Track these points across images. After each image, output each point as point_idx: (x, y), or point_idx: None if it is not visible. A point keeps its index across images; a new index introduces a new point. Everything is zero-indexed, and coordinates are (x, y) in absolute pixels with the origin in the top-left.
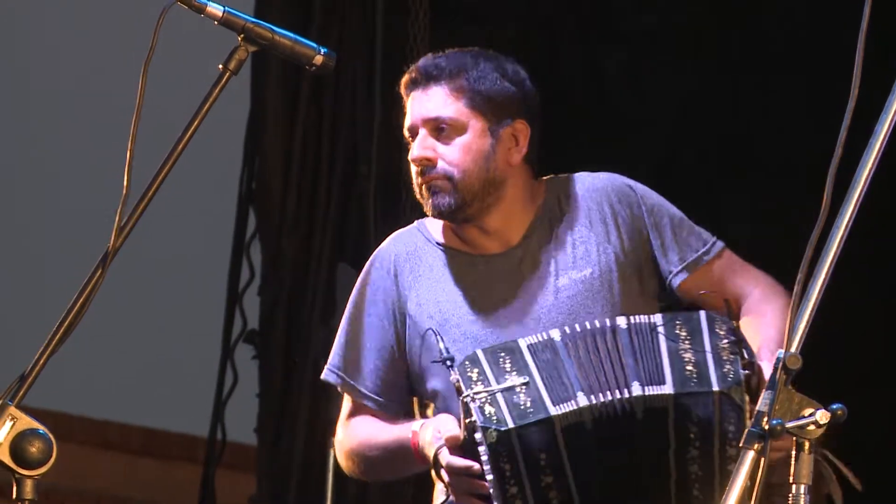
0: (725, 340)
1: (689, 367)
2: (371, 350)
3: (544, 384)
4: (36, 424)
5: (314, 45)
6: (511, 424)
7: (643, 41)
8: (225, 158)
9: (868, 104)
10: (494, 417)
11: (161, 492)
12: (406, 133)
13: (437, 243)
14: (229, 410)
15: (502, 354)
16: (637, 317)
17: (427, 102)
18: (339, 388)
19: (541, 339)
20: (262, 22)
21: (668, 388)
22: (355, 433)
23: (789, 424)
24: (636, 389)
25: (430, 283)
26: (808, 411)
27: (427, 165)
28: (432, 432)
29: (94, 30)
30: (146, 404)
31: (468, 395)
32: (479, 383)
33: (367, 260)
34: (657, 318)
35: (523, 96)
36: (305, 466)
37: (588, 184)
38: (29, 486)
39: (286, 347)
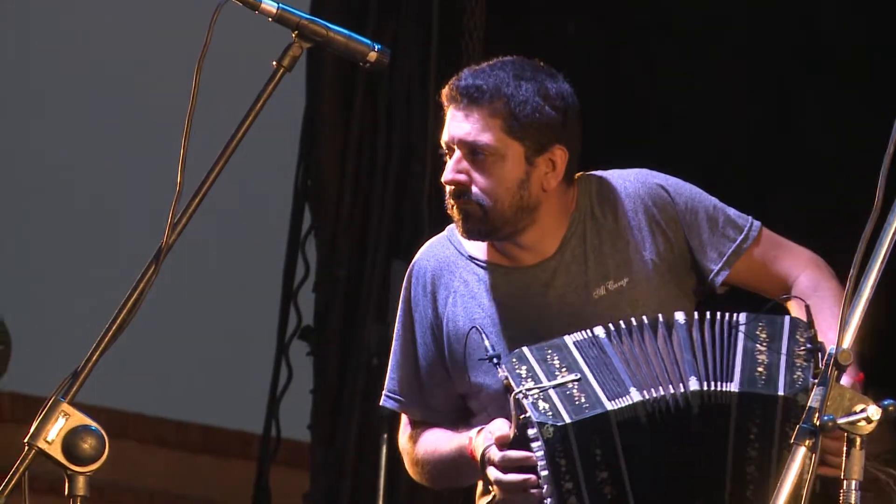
0: (803, 348)
1: (759, 369)
2: (422, 370)
3: (597, 380)
4: (88, 421)
5: (368, 41)
6: (568, 419)
7: (700, 38)
8: (281, 155)
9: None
10: (550, 413)
11: (216, 489)
12: (441, 144)
13: (470, 257)
14: (284, 407)
15: (549, 352)
16: (711, 313)
17: (464, 125)
18: (399, 411)
19: (586, 335)
20: (316, 19)
21: (734, 386)
22: (419, 443)
23: (841, 420)
24: (693, 384)
25: (466, 299)
26: (859, 407)
27: (460, 189)
28: (485, 435)
29: (152, 27)
30: (201, 401)
31: (520, 392)
32: (529, 380)
33: None
34: (741, 317)
35: (563, 121)
36: (359, 463)
37: (620, 188)
38: (81, 482)
39: (341, 344)
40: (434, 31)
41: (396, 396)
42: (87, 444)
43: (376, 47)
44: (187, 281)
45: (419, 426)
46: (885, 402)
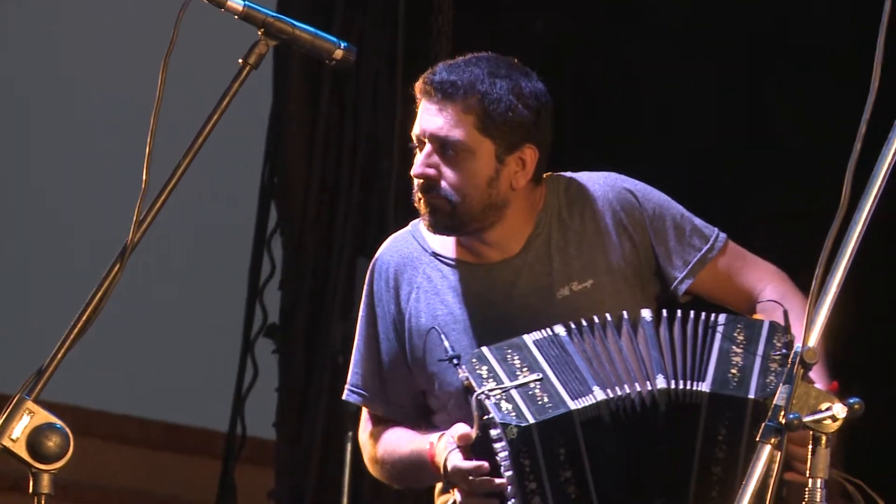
0: (779, 352)
1: (733, 370)
2: (384, 365)
3: (559, 379)
4: (53, 419)
5: (334, 39)
6: (531, 420)
7: (672, 33)
8: (247, 153)
9: (888, 99)
10: (513, 413)
11: (180, 486)
12: (412, 137)
13: (434, 253)
14: (248, 405)
15: (509, 351)
16: (684, 312)
17: (436, 119)
18: (361, 406)
19: (546, 334)
20: (282, 16)
21: (705, 386)
22: (380, 442)
23: (806, 419)
24: (660, 383)
25: (429, 295)
26: (825, 405)
27: (429, 183)
28: (447, 439)
29: (115, 25)
30: (165, 399)
31: (482, 393)
32: (490, 380)
33: None
34: (720, 318)
35: (536, 121)
36: (324, 462)
37: (590, 190)
38: (45, 480)
39: (306, 342)
40: (400, 28)
41: (359, 391)
42: (52, 442)
43: (342, 45)
44: (152, 279)
45: (380, 423)
46: (851, 401)
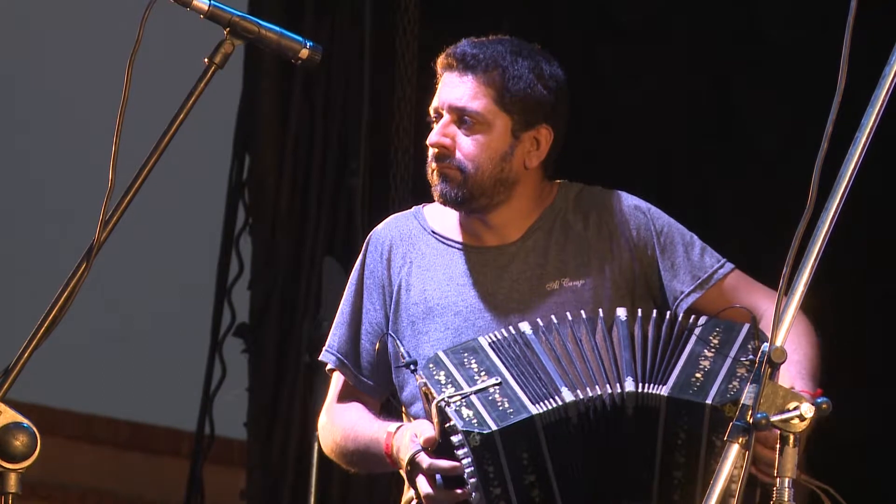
0: (748, 358)
1: (697, 374)
2: (365, 334)
3: (518, 382)
4: (20, 418)
5: (300, 38)
6: (494, 426)
7: (639, 34)
8: (213, 152)
9: (854, 98)
10: (475, 420)
11: (147, 486)
12: (430, 111)
13: (432, 231)
14: (215, 404)
15: (465, 355)
16: (661, 312)
17: (456, 90)
18: (335, 370)
19: (505, 335)
20: (248, 16)
21: (665, 390)
22: (339, 423)
23: (774, 418)
24: (629, 385)
25: (420, 270)
26: (792, 405)
27: (443, 152)
28: (409, 436)
29: (80, 24)
30: (133, 398)
31: (442, 400)
32: (449, 385)
33: (356, 255)
34: (701, 319)
35: (555, 101)
36: (297, 461)
37: (601, 199)
38: (13, 479)
39: (278, 342)
40: (367, 28)
41: (335, 352)
42: (20, 441)
43: (308, 44)
44: (119, 278)
45: (344, 398)
46: (819, 400)
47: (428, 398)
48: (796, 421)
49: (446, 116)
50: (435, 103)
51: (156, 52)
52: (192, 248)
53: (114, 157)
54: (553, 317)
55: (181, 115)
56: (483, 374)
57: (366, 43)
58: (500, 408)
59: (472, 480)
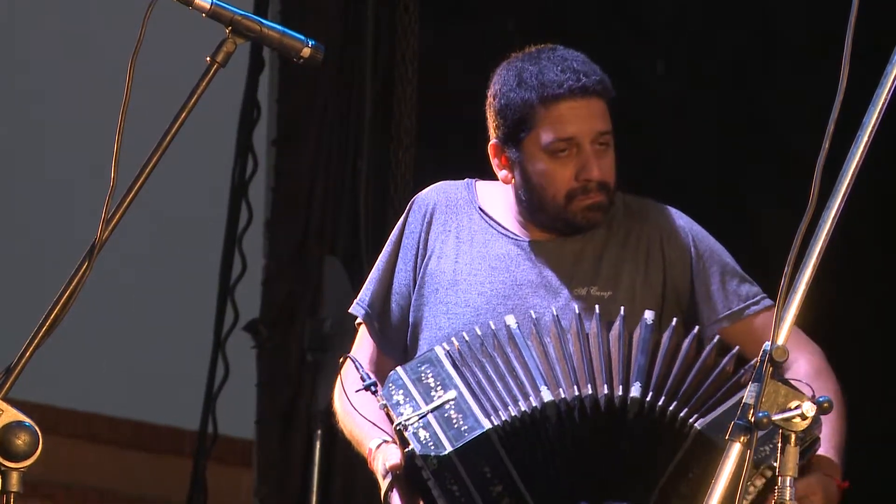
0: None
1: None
2: (395, 294)
3: (473, 395)
4: (22, 417)
5: (302, 37)
6: (449, 447)
7: (645, 36)
8: (216, 150)
9: (857, 97)
10: (431, 444)
11: (150, 486)
12: (555, 138)
13: (479, 208)
14: (220, 403)
15: (423, 368)
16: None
17: (592, 116)
18: (362, 323)
19: (478, 333)
20: (250, 14)
21: (701, 423)
22: (345, 396)
23: (775, 417)
24: (635, 391)
25: (458, 242)
26: (794, 404)
27: (608, 185)
28: (381, 463)
29: (83, 22)
30: (135, 397)
31: (399, 424)
32: (407, 406)
33: (357, 254)
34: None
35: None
36: (304, 458)
37: (647, 213)
38: (15, 478)
39: (287, 338)
40: (369, 28)
41: (364, 307)
42: (21, 440)
43: (310, 43)
44: (121, 277)
45: (367, 359)
46: (820, 399)
47: (390, 419)
48: (798, 420)
49: (589, 147)
50: (567, 132)
51: (157, 51)
52: (196, 246)
53: (116, 155)
54: (553, 309)
55: (184, 114)
56: (439, 388)
57: (367, 43)
58: (455, 426)
59: (441, 501)
